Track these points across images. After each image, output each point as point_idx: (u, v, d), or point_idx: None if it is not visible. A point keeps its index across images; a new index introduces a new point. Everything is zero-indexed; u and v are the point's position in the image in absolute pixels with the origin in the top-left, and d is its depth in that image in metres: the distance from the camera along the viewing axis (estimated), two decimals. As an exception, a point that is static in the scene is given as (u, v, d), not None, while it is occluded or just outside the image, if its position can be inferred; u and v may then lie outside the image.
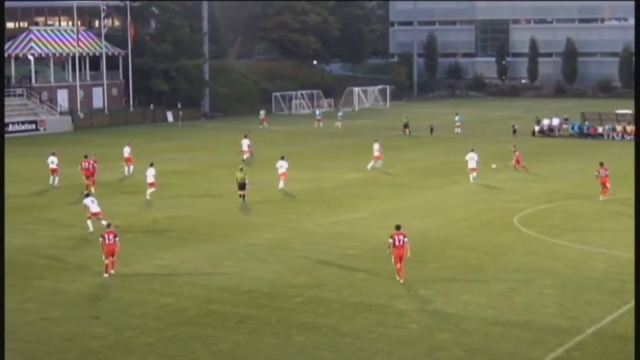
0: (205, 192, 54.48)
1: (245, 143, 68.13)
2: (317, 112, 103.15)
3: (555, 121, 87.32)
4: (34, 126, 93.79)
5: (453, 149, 64.57)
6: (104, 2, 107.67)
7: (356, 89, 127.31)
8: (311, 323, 28.39)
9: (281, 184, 54.57)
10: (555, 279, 33.16)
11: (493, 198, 51.13)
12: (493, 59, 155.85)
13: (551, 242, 39.51)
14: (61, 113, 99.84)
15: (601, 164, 50.31)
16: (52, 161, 58.41)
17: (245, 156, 68.19)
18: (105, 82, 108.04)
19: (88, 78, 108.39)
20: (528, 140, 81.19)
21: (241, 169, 51.62)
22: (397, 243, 32.71)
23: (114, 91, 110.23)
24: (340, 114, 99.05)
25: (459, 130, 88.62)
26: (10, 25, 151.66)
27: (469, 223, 44.06)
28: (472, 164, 57.39)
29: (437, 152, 64.43)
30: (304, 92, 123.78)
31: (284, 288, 32.25)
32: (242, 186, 50.01)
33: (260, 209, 47.96)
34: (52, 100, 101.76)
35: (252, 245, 39.20)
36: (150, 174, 51.99)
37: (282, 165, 55.33)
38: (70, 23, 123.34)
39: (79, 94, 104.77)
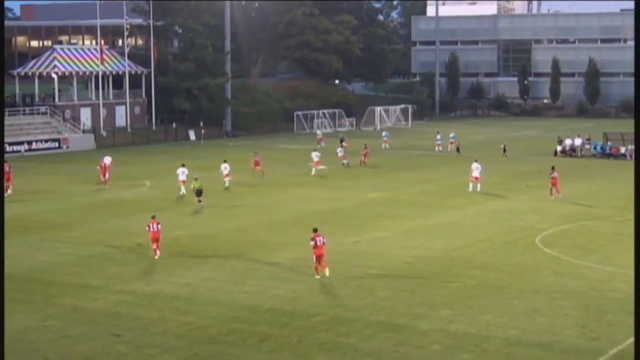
0: (227, 211, 54.53)
1: (225, 168, 65.39)
2: (319, 132, 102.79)
3: (578, 141, 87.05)
4: (57, 144, 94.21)
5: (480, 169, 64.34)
6: (128, 22, 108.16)
7: (378, 109, 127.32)
8: (332, 342, 28.31)
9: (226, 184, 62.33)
10: (578, 300, 32.98)
11: (515, 218, 50.93)
12: (515, 79, 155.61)
13: (574, 263, 39.31)
14: (84, 131, 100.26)
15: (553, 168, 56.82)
16: (183, 172, 61.20)
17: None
18: (128, 100, 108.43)
19: (111, 97, 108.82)
20: (550, 160, 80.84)
21: (196, 179, 57.04)
22: (318, 244, 36.32)
23: (137, 110, 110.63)
24: (385, 133, 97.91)
25: (439, 148, 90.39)
26: (34, 44, 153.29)
27: (491, 243, 43.90)
28: (476, 174, 60.07)
29: (459, 172, 64.34)
30: (326, 111, 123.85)
31: (306, 307, 32.20)
32: (199, 193, 55.70)
33: (282, 229, 47.96)
34: (76, 119, 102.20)
35: (274, 264, 39.18)
36: (183, 173, 59.99)
37: (226, 168, 63.32)
38: (94, 42, 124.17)
39: (102, 112, 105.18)
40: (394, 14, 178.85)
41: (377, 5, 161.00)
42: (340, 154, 78.90)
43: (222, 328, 29.81)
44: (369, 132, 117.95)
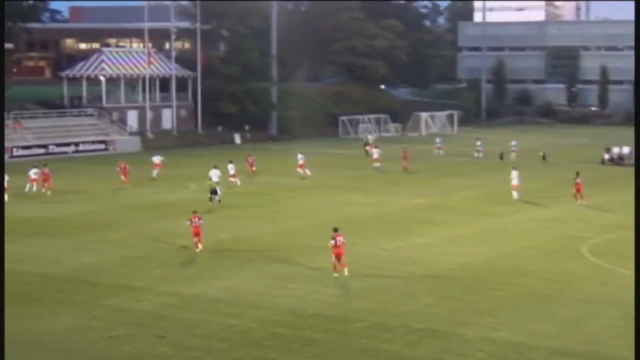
0: (270, 214, 54.60)
1: (231, 168, 67.31)
2: (369, 137, 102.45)
3: (626, 150, 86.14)
4: (103, 146, 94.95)
5: (522, 176, 63.96)
6: (175, 25, 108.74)
7: (423, 114, 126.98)
8: (375, 348, 28.20)
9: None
10: (625, 310, 32.55)
11: (560, 226, 50.51)
12: (563, 85, 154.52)
13: (620, 273, 38.87)
14: (131, 133, 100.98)
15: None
16: (215, 173, 62.95)
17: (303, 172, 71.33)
18: (174, 103, 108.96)
19: (158, 99, 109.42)
20: (597, 168, 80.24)
21: (211, 178, 60.02)
22: (338, 243, 37.46)
23: (183, 113, 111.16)
24: (438, 139, 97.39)
25: (479, 154, 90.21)
26: (82, 46, 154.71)
27: (536, 251, 43.56)
28: (515, 182, 60.14)
29: (503, 179, 63.86)
30: (371, 116, 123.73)
31: (348, 312, 32.11)
32: (214, 192, 57.20)
33: (324, 233, 47.64)
34: (122, 121, 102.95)
35: (317, 268, 39.12)
36: (215, 174, 61.83)
37: (232, 168, 66.10)
38: (141, 45, 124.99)
39: (149, 115, 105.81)
40: (441, 19, 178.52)
41: (424, 10, 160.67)
42: (375, 156, 79.42)
43: (265, 332, 29.80)
44: (414, 138, 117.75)
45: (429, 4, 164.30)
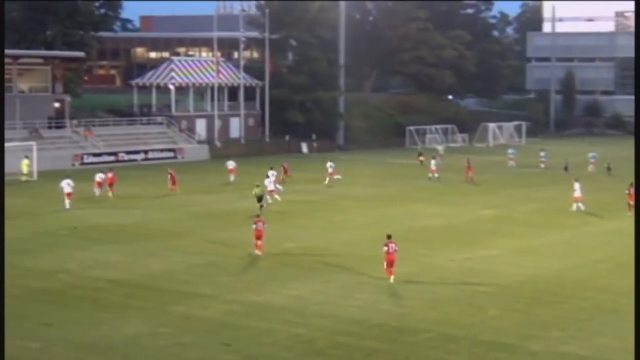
0: (337, 223, 54.71)
1: (270, 174, 66.49)
2: (439, 148, 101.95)
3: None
4: (172, 154, 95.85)
5: (587, 188, 63.39)
6: (244, 34, 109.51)
7: (491, 125, 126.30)
8: (440, 359, 28.16)
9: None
10: (694, 325, 32.13)
11: (628, 239, 49.85)
12: (632, 97, 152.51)
13: (691, 287, 38.30)
14: (199, 142, 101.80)
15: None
16: (270, 182, 63.54)
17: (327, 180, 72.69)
18: (242, 112, 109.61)
19: (226, 108, 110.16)
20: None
21: (257, 185, 59.70)
22: (390, 250, 38.23)
23: (251, 121, 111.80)
24: (510, 150, 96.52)
25: (542, 165, 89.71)
26: (152, 55, 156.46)
27: (605, 264, 43.13)
28: (577, 194, 59.76)
29: (570, 191, 63.18)
30: (438, 126, 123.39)
31: (414, 323, 32.09)
32: (259, 199, 58.47)
33: (392, 243, 47.85)
34: (191, 129, 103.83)
35: (382, 278, 39.10)
36: (270, 183, 62.91)
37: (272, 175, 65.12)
38: (210, 54, 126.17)
39: (217, 123, 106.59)
40: (509, 30, 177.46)
41: (492, 21, 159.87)
42: (432, 167, 79.63)
43: (330, 341, 29.90)
44: (482, 149, 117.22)
45: (497, 14, 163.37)
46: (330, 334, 30.70)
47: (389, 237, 38.93)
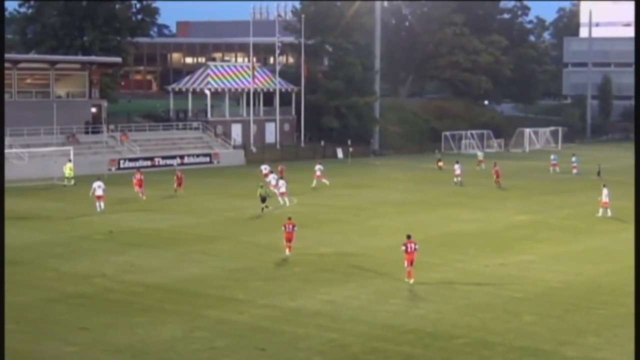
0: (372, 229, 54.69)
1: (268, 173, 69.40)
2: (479, 154, 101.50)
3: None
4: (208, 159, 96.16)
5: (623, 194, 62.97)
6: (280, 40, 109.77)
7: (527, 130, 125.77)
8: (475, 365, 28.14)
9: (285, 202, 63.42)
10: None
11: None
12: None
13: None
14: (234, 147, 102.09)
15: None
16: (283, 184, 64.62)
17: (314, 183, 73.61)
18: (278, 117, 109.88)
19: (261, 113, 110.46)
20: None
21: (262, 186, 61.98)
22: (409, 250, 38.75)
23: (286, 127, 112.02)
24: (553, 156, 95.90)
25: (575, 171, 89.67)
26: (189, 60, 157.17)
27: (641, 270, 42.78)
28: (605, 199, 59.78)
29: (613, 196, 62.68)
30: (474, 131, 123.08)
31: (449, 328, 32.03)
32: (263, 199, 60.19)
33: (426, 248, 47.70)
34: (227, 134, 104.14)
35: (418, 283, 39.08)
36: (283, 186, 63.95)
37: (283, 185, 64.70)
38: (246, 59, 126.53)
39: (253, 128, 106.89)
40: (546, 35, 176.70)
41: (529, 26, 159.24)
42: (457, 171, 79.86)
43: (364, 346, 29.90)
44: (518, 154, 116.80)
45: (534, 19, 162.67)
46: (364, 339, 30.70)
47: (408, 237, 39.56)
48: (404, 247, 39.08)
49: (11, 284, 38.63)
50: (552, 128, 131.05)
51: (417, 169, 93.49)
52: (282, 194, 64.12)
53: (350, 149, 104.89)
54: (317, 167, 77.38)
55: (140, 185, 67.48)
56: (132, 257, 44.79)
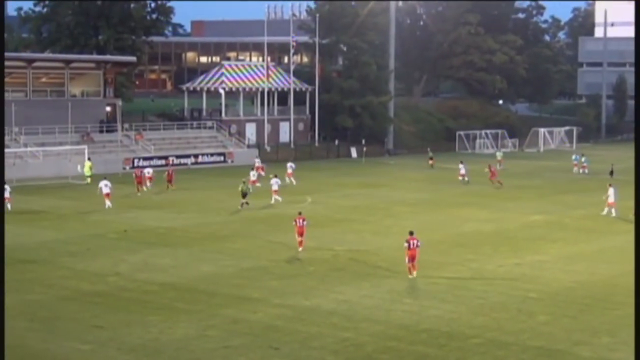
0: (387, 228, 54.64)
1: (275, 183, 66.55)
2: (498, 154, 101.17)
3: None
4: (222, 158, 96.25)
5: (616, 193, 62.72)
6: (294, 39, 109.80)
7: (542, 130, 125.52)
8: (489, 365, 28.08)
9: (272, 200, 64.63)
10: None
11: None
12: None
13: None
14: (249, 146, 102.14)
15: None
16: (276, 182, 65.19)
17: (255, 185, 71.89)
18: (292, 117, 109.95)
19: (276, 113, 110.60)
20: None
21: (244, 182, 63.68)
22: (411, 246, 39.56)
23: (301, 126, 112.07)
24: (575, 157, 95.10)
25: (586, 171, 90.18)
26: (203, 59, 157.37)
27: (656, 271, 42.63)
28: (611, 199, 60.08)
29: (622, 196, 62.54)
30: (488, 131, 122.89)
31: (463, 328, 31.98)
32: (244, 195, 61.52)
33: (440, 248, 47.78)
34: (241, 134, 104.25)
35: (432, 283, 39.06)
36: (276, 183, 64.79)
37: (275, 183, 65.34)
38: (260, 59, 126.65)
39: (267, 128, 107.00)
40: (561, 34, 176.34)
41: (544, 26, 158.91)
42: (462, 171, 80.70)
43: (378, 345, 29.88)
44: (532, 154, 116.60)
45: (549, 18, 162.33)
46: (378, 338, 30.68)
47: (411, 233, 40.33)
48: (406, 244, 39.87)
49: (26, 282, 38.86)
50: (567, 128, 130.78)
51: (432, 169, 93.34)
52: (275, 192, 65.01)
53: (364, 148, 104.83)
54: (289, 164, 78.07)
55: (140, 182, 69.93)
56: (147, 256, 44.88)
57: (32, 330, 31.16)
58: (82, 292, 37.18)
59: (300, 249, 45.87)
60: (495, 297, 36.80)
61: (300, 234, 46.22)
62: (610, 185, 61.57)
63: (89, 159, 76.83)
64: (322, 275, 40.79)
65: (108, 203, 61.49)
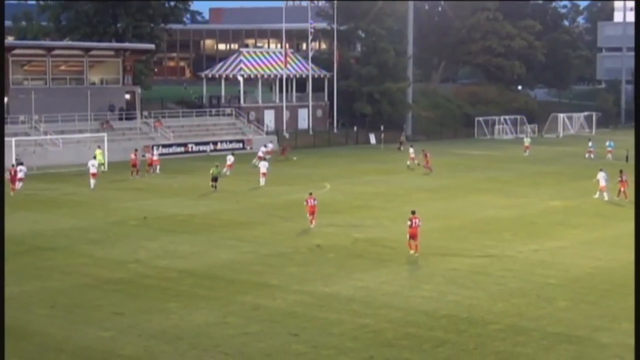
0: (405, 214, 54.18)
1: (263, 165, 69.17)
2: (526, 139, 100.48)
3: None
4: (241, 145, 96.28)
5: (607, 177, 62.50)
6: (312, 25, 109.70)
7: (561, 115, 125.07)
8: (509, 351, 28.02)
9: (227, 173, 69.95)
10: None
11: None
12: None
13: None
14: (267, 133, 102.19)
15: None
16: (264, 165, 67.84)
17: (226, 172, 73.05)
18: (310, 103, 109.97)
19: (294, 99, 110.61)
20: None
21: (217, 166, 65.78)
22: (413, 225, 41.18)
23: (319, 113, 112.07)
24: (591, 142, 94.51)
25: (591, 155, 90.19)
26: (221, 46, 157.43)
27: (677, 256, 42.47)
28: (602, 183, 60.48)
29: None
30: (507, 117, 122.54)
31: (482, 314, 31.96)
32: (214, 179, 63.84)
33: (460, 234, 47.75)
34: (259, 120, 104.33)
35: (451, 269, 39.05)
36: (264, 167, 67.89)
37: (230, 159, 71.47)
38: (278, 45, 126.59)
39: (285, 114, 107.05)
40: (580, 19, 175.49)
41: (562, 10, 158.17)
42: (411, 155, 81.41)
43: (398, 332, 29.90)
44: (552, 139, 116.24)
45: (568, 3, 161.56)
46: (398, 324, 30.70)
47: (413, 212, 41.92)
48: (409, 222, 41.51)
49: (45, 269, 39.06)
50: (586, 113, 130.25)
51: (450, 155, 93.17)
52: (263, 174, 67.43)
53: (383, 135, 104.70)
54: (229, 157, 76.26)
55: (134, 165, 72.11)
56: (166, 243, 45.01)
57: (52, 318, 31.32)
58: (102, 279, 37.33)
59: (312, 225, 48.69)
60: (515, 283, 36.75)
61: (311, 213, 48.94)
62: (600, 169, 62.08)
63: (98, 147, 76.88)
64: (341, 261, 40.83)
65: (92, 183, 64.79)
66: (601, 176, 60.78)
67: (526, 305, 33.33)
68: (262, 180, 67.11)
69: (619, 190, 60.38)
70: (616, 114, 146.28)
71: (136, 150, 76.12)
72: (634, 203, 54.87)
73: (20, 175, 63.24)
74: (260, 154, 78.67)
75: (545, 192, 64.70)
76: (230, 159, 74.69)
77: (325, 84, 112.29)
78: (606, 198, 59.75)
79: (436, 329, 30.29)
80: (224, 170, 71.47)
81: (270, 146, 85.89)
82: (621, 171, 61.86)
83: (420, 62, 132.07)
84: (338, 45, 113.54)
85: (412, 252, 41.43)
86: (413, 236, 41.38)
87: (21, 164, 65.73)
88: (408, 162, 79.87)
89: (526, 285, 36.44)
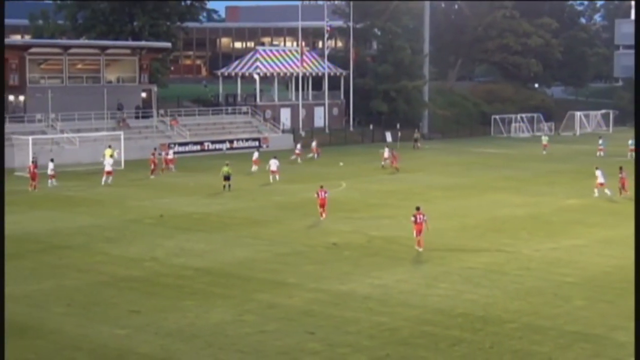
0: (422, 213, 54.43)
1: (274, 163, 69.10)
2: (544, 138, 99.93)
3: None
4: (257, 143, 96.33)
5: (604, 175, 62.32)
6: (329, 25, 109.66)
7: (578, 113, 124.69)
8: (525, 350, 27.94)
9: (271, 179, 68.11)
10: None
11: None
12: None
13: None
14: (283, 131, 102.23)
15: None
16: (274, 162, 68.68)
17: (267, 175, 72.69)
18: (326, 101, 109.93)
19: (310, 97, 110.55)
20: None
21: (227, 164, 64.94)
22: (418, 220, 41.67)
23: (335, 111, 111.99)
24: (601, 140, 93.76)
25: (601, 153, 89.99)
26: (238, 45, 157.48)
27: (694, 255, 42.29)
28: (600, 180, 60.80)
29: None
30: (523, 115, 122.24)
31: (499, 313, 31.88)
32: (226, 178, 63.44)
33: (476, 233, 47.65)
34: (276, 119, 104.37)
35: (467, 268, 38.96)
36: (274, 164, 68.24)
37: (274, 163, 68.64)
38: (294, 43, 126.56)
39: (301, 112, 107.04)
40: (597, 17, 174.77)
41: (580, 8, 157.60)
42: (385, 155, 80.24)
43: (414, 330, 29.86)
44: (568, 137, 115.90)
45: (585, 1, 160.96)
46: (414, 323, 30.66)
47: (417, 208, 42.57)
48: (413, 218, 42.09)
49: (62, 267, 39.17)
50: (603, 111, 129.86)
51: (467, 153, 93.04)
52: (272, 172, 68.10)
53: (399, 133, 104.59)
54: (255, 154, 76.91)
55: (154, 164, 72.41)
56: (182, 241, 45.07)
57: (68, 315, 31.41)
58: (118, 277, 37.40)
59: (322, 217, 50.23)
60: (531, 281, 36.65)
61: (322, 206, 50.35)
62: (597, 167, 62.31)
63: (109, 146, 76.92)
64: (358, 260, 40.80)
65: (103, 180, 66.56)
66: (599, 174, 60.89)
67: (543, 303, 33.23)
68: (272, 178, 67.68)
69: (620, 188, 60.27)
70: (633, 111, 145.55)
71: (155, 149, 76.35)
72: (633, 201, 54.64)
73: (50, 173, 65.88)
74: (297, 150, 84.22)
75: (562, 191, 64.52)
76: (255, 155, 75.76)
77: (342, 82, 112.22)
78: (609, 193, 59.44)
79: (452, 327, 30.23)
80: (253, 168, 73.33)
81: (299, 147, 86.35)
82: (621, 168, 61.70)
83: (437, 60, 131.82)
84: (354, 43, 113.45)
85: (420, 249, 41.96)
86: (419, 232, 41.97)
87: (51, 160, 67.79)
88: (382, 163, 79.32)
89: (543, 283, 36.34)
